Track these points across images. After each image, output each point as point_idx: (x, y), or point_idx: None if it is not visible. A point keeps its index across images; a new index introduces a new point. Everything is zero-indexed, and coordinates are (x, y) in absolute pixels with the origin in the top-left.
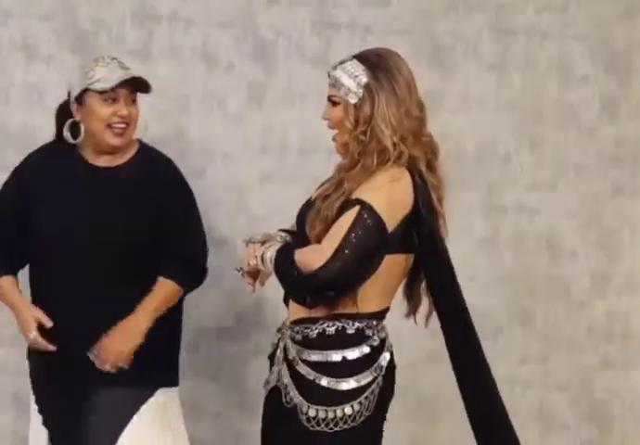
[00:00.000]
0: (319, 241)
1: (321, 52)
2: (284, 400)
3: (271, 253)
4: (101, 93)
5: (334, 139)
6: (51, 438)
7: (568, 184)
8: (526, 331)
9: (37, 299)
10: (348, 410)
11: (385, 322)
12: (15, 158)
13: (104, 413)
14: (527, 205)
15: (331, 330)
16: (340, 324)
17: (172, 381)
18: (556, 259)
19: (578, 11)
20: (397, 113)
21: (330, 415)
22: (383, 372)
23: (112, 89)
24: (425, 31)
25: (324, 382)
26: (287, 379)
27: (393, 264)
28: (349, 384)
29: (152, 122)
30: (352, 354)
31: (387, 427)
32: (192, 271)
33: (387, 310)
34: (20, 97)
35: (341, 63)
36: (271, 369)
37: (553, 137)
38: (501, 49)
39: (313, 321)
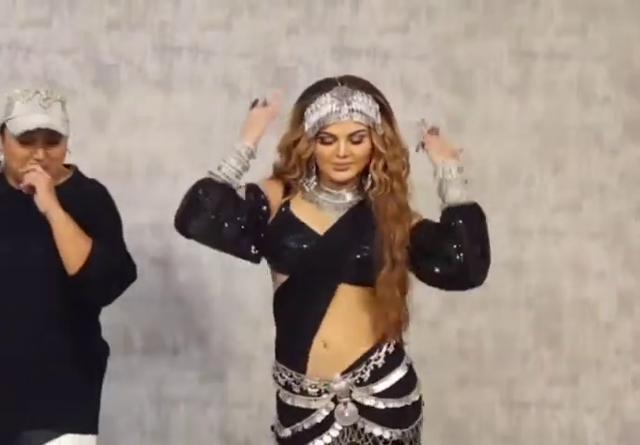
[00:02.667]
0: (399, 264)
1: None
2: (362, 440)
3: None
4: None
5: (344, 175)
6: None
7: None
8: (554, 353)
9: None
10: (420, 426)
11: (411, 346)
12: None
13: None
14: (551, 227)
15: (391, 348)
16: (394, 341)
17: (85, 427)
18: (583, 280)
19: (597, 32)
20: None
21: (410, 436)
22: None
23: (24, 134)
24: (444, 56)
25: (403, 402)
26: (369, 425)
27: None
28: (416, 396)
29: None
30: (404, 370)
31: None
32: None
33: None
34: None
35: (348, 96)
36: (325, 436)
37: (576, 158)
38: (521, 73)
39: (370, 352)
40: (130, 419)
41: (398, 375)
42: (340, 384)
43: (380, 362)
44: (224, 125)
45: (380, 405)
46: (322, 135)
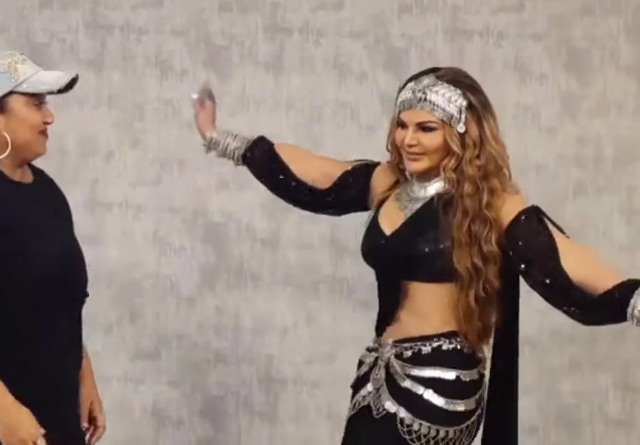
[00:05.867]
0: (474, 274)
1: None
2: (374, 412)
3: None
4: (32, 96)
5: (415, 165)
6: None
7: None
8: None
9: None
10: (451, 433)
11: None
12: None
13: None
14: None
15: (449, 347)
16: (458, 344)
17: None
18: None
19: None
20: (498, 131)
21: (432, 433)
22: (482, 404)
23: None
24: (560, 35)
25: (434, 399)
26: (385, 395)
27: None
28: (458, 406)
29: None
30: (466, 377)
31: None
32: None
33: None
34: None
35: (429, 86)
36: (358, 390)
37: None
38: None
39: (427, 338)
40: None
41: (438, 374)
42: (386, 348)
43: (426, 350)
44: (335, 106)
45: (406, 384)
46: (399, 120)
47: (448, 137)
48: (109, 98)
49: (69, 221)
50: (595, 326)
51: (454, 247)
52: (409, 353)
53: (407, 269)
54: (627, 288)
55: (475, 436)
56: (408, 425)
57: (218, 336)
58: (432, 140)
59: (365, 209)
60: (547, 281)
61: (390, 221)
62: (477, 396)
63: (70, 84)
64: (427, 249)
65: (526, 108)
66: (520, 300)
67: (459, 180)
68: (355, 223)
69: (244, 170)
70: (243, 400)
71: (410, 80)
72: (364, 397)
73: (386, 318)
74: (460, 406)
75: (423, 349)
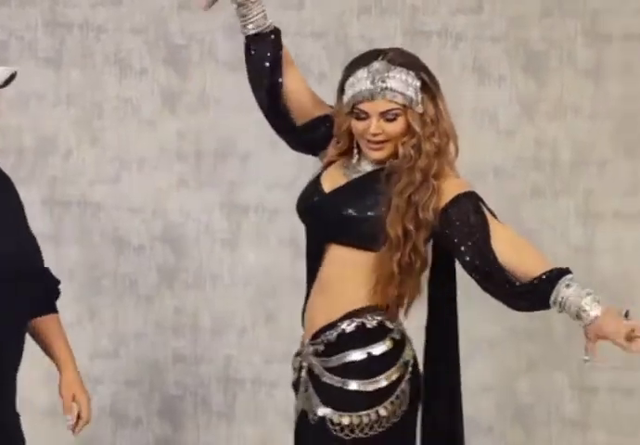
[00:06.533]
0: (403, 239)
1: None
2: (310, 418)
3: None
4: None
5: (378, 154)
6: None
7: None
8: None
9: None
10: (382, 411)
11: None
12: None
13: None
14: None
15: (350, 328)
16: (359, 320)
17: None
18: None
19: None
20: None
21: (365, 420)
22: (410, 368)
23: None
24: (518, 37)
25: (352, 386)
26: (314, 396)
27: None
28: (379, 383)
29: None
30: (377, 350)
31: None
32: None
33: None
34: None
35: (385, 73)
36: (297, 395)
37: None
38: (595, 55)
39: (332, 325)
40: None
41: (354, 357)
42: (305, 350)
43: (332, 338)
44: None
45: (325, 379)
46: (356, 111)
47: (410, 119)
48: (68, 96)
49: (22, 218)
50: (528, 313)
51: (390, 211)
52: (322, 347)
53: (334, 229)
54: (553, 275)
55: (416, 401)
56: (338, 423)
57: (176, 335)
58: (396, 127)
59: (315, 154)
60: (477, 262)
61: (332, 182)
62: (397, 364)
63: (8, 80)
64: (357, 213)
65: (484, 111)
66: (477, 301)
67: (415, 156)
68: None
69: (203, 168)
70: (201, 399)
71: (357, 66)
72: (300, 401)
73: (307, 294)
74: (382, 381)
75: (330, 338)
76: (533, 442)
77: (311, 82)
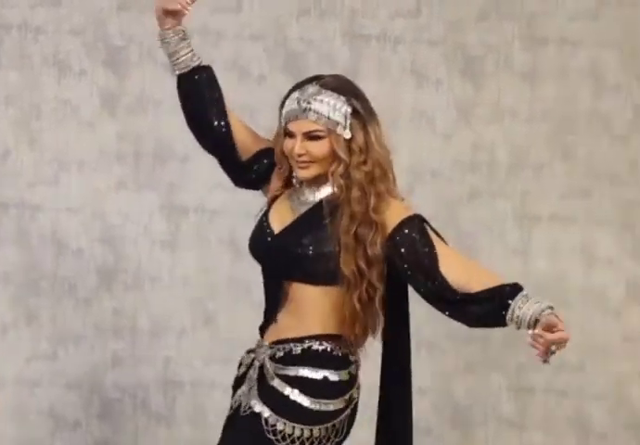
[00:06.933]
0: (358, 278)
1: None
2: (242, 410)
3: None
4: None
5: (305, 173)
6: None
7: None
8: None
9: None
10: (316, 432)
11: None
12: None
13: None
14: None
15: (319, 348)
16: (329, 346)
17: None
18: (592, 267)
19: (608, 18)
20: (383, 136)
21: (298, 433)
22: (352, 405)
23: None
24: (456, 41)
25: (300, 399)
26: (254, 393)
27: None
28: (326, 406)
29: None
30: (334, 377)
31: None
32: None
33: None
34: None
35: (313, 95)
36: (236, 391)
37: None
38: (532, 58)
39: (301, 339)
40: None
41: (305, 373)
42: (262, 349)
43: (296, 351)
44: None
45: (274, 382)
46: (286, 130)
47: (335, 144)
48: (6, 97)
49: None
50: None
51: (341, 250)
52: (281, 354)
53: (290, 269)
54: (507, 293)
55: (345, 435)
56: (272, 425)
57: (115, 337)
58: (320, 148)
59: (257, 189)
60: (428, 285)
61: (281, 219)
62: (346, 396)
63: None
64: (310, 252)
65: (422, 114)
66: (415, 304)
67: (347, 185)
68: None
69: (143, 170)
70: (140, 402)
71: (294, 89)
72: (239, 396)
73: (269, 319)
74: (328, 406)
75: (294, 349)
76: (471, 443)
77: (250, 85)
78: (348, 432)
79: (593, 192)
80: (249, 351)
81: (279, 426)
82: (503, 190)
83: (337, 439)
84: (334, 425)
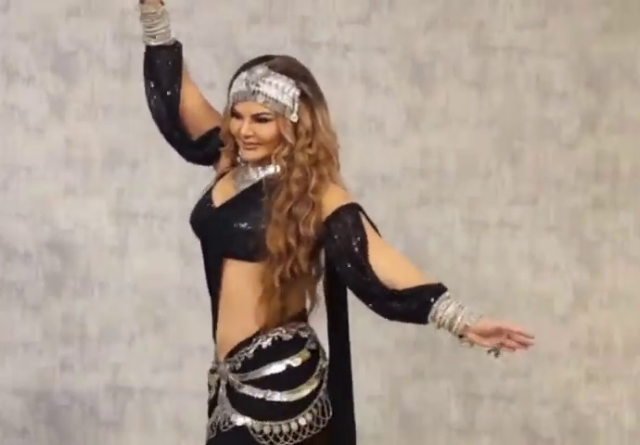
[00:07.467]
0: (284, 254)
1: None
2: (222, 427)
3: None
4: None
5: (251, 154)
6: None
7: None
8: None
9: None
10: (302, 420)
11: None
12: None
13: None
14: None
15: (267, 343)
16: (275, 335)
17: None
18: (539, 273)
19: (556, 27)
20: (330, 121)
21: (285, 429)
22: (325, 375)
23: None
24: (405, 49)
25: (276, 397)
26: (227, 406)
27: None
28: (302, 392)
29: None
30: (296, 361)
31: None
32: None
33: (306, 309)
34: None
35: (262, 77)
36: (211, 412)
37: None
38: (481, 66)
39: (248, 341)
40: None
41: (273, 369)
42: (221, 367)
43: (250, 355)
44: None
45: (244, 390)
46: (233, 111)
47: (282, 127)
48: None
49: None
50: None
51: (270, 226)
52: (239, 364)
53: (226, 243)
54: (432, 292)
55: (330, 409)
56: (260, 431)
57: (64, 343)
58: (267, 131)
59: (209, 164)
60: (355, 275)
61: (223, 195)
62: (316, 372)
63: None
64: (246, 227)
65: (371, 120)
66: (364, 311)
67: (289, 167)
68: None
69: (92, 175)
70: (89, 409)
71: (243, 69)
72: (215, 417)
73: (214, 321)
74: (304, 391)
75: (247, 355)
76: None
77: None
78: (339, 401)
79: (540, 198)
80: (212, 371)
81: (266, 430)
82: (451, 196)
83: (325, 418)
84: (316, 406)
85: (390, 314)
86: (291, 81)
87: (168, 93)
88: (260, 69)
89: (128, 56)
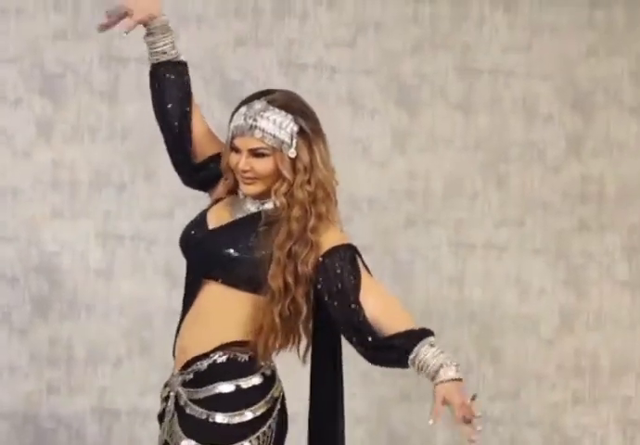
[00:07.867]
0: (283, 292)
1: None
2: None
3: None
4: None
5: (250, 188)
6: None
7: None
8: (496, 368)
9: None
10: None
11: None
12: None
13: None
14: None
15: (222, 359)
16: (232, 353)
17: None
18: (525, 295)
19: (542, 50)
20: (329, 157)
21: None
22: (278, 405)
23: None
24: (391, 71)
25: (218, 418)
26: (176, 427)
27: None
28: (244, 416)
29: None
30: (246, 383)
31: None
32: None
33: None
34: None
35: (260, 112)
36: (161, 426)
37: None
38: (466, 88)
39: (205, 355)
40: None
41: (216, 390)
42: (174, 379)
43: (203, 368)
44: None
45: (189, 411)
46: (232, 145)
47: (279, 163)
48: None
49: None
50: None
51: (272, 264)
52: (190, 376)
53: (212, 266)
54: (414, 336)
55: (283, 436)
56: None
57: (51, 366)
58: (264, 166)
59: (205, 191)
60: (345, 315)
61: (218, 219)
62: (266, 397)
63: None
64: (236, 253)
65: (357, 142)
66: None
67: (289, 203)
68: None
69: (79, 198)
70: (75, 432)
71: (242, 104)
72: (163, 431)
73: (177, 331)
74: (245, 416)
75: (201, 368)
76: None
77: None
78: (284, 435)
79: (526, 221)
80: (165, 385)
81: None
82: (438, 218)
83: (276, 442)
84: (264, 433)
85: (374, 357)
86: (290, 116)
87: (176, 123)
88: (258, 104)
89: (115, 78)
